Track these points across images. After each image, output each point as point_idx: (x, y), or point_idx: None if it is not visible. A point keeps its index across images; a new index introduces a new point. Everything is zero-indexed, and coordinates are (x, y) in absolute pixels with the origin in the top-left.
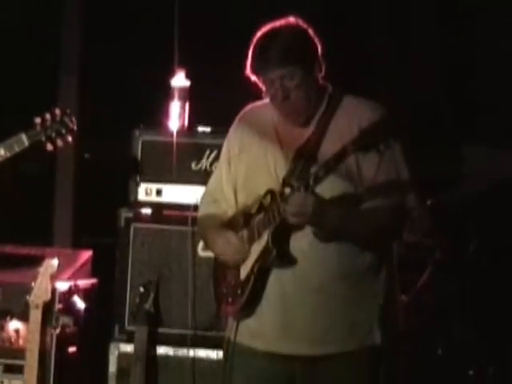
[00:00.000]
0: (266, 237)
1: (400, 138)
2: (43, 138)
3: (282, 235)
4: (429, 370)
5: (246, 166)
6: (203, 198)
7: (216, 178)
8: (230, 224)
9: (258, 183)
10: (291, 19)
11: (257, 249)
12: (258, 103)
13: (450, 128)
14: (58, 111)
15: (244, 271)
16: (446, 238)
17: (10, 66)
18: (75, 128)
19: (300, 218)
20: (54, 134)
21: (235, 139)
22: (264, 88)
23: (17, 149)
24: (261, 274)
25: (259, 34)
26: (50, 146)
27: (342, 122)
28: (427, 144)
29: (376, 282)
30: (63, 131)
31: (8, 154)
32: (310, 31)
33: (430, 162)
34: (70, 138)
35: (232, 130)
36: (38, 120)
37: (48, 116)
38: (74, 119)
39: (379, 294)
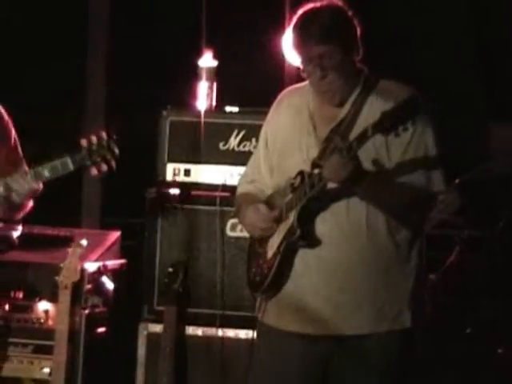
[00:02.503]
0: (292, 216)
1: (429, 118)
2: (88, 163)
3: (307, 216)
4: (458, 349)
5: (280, 148)
6: (241, 177)
7: (254, 159)
8: (267, 204)
9: (291, 164)
10: (331, 1)
11: (284, 228)
12: (296, 86)
13: (480, 106)
14: (104, 135)
15: (271, 251)
16: (474, 216)
17: (38, 52)
18: (118, 152)
19: (336, 176)
20: (99, 159)
21: (272, 121)
22: (302, 65)
23: (61, 172)
24: (286, 254)
25: (301, 12)
26: (94, 171)
27: (375, 105)
28: (456, 122)
29: (406, 265)
30: (108, 157)
31: (52, 177)
32: (351, 13)
33: (460, 140)
34: (114, 164)
35: (270, 112)
36: (84, 143)
37: (94, 139)
38: (117, 143)
39: (409, 277)
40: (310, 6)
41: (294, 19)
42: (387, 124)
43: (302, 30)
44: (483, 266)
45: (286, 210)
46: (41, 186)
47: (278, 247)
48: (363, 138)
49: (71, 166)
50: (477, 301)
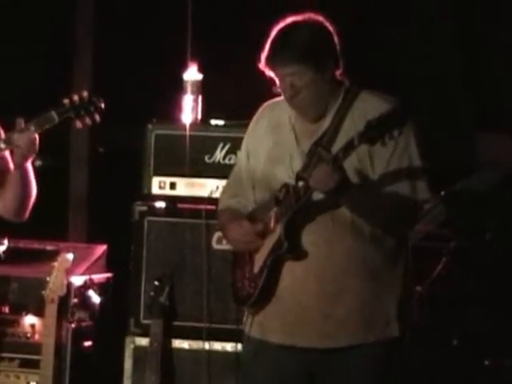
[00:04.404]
0: (278, 230)
1: (412, 128)
2: (73, 115)
3: (294, 228)
4: (444, 361)
5: (263, 162)
6: (223, 192)
7: (235, 173)
8: (249, 219)
9: (275, 178)
10: (312, 15)
11: (270, 242)
12: (277, 99)
13: (466, 116)
14: (85, 92)
15: (257, 265)
16: (461, 227)
17: (25, 61)
18: (103, 106)
19: (323, 186)
20: (82, 112)
21: (254, 135)
22: (277, 82)
23: (47, 126)
24: (273, 268)
25: (278, 27)
26: (78, 124)
27: (357, 117)
28: (443, 133)
29: (392, 273)
30: (92, 109)
31: (38, 131)
32: (330, 28)
33: (445, 152)
34: (98, 118)
35: (251, 126)
36: (66, 100)
37: (76, 97)
38: (101, 99)
39: (396, 286)
40: (288, 20)
41: (272, 34)
42: (373, 133)
43: (274, 49)
44: (470, 277)
45: (272, 223)
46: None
47: (265, 261)
48: (349, 147)
49: (56, 118)
50: (464, 312)
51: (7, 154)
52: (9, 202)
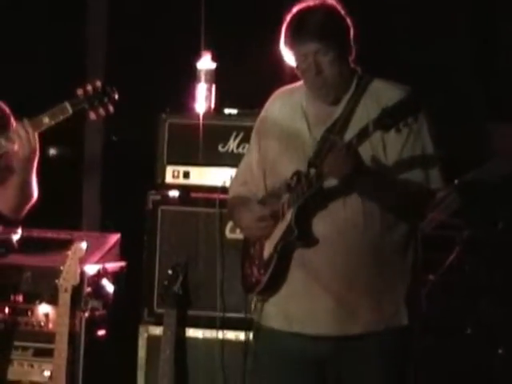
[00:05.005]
0: (289, 216)
1: (425, 117)
2: (87, 106)
3: (305, 215)
4: (458, 349)
5: (274, 149)
6: (233, 179)
7: (246, 160)
8: (260, 205)
9: (286, 165)
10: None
11: (280, 229)
12: (289, 86)
13: (479, 106)
14: (98, 82)
15: (267, 252)
16: (474, 216)
17: (37, 52)
18: (117, 97)
19: (338, 172)
20: (96, 103)
21: (265, 122)
22: (296, 63)
23: (61, 117)
24: (283, 254)
25: (295, 9)
26: (92, 115)
27: (369, 104)
28: (456, 122)
29: (403, 262)
30: (105, 100)
31: (52, 122)
32: (344, 13)
33: (459, 141)
34: (112, 108)
35: (262, 113)
36: (79, 90)
37: (89, 87)
38: (115, 89)
39: (406, 275)
40: (303, 4)
41: (288, 17)
42: (388, 120)
43: (296, 27)
44: (483, 266)
45: (283, 209)
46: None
47: (275, 247)
48: (364, 134)
49: (70, 110)
50: (477, 301)
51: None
52: (8, 200)
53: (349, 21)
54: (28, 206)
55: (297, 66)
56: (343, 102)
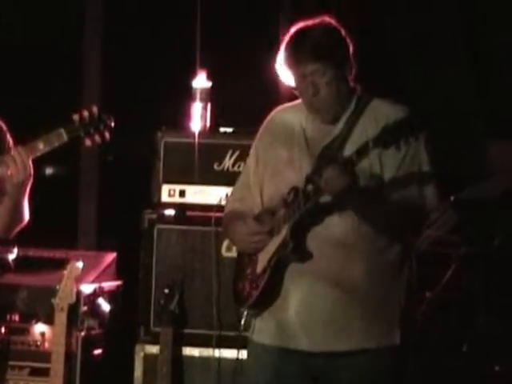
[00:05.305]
0: (284, 231)
1: (424, 134)
2: (82, 134)
3: (300, 230)
4: (454, 367)
5: (272, 166)
6: (230, 196)
7: (243, 177)
8: (256, 220)
9: (284, 182)
10: (325, 18)
11: (275, 243)
12: (288, 104)
13: (476, 124)
14: (95, 109)
15: (261, 265)
16: (470, 233)
17: (35, 75)
18: (113, 124)
19: (334, 187)
20: (92, 130)
21: (264, 139)
22: (294, 82)
23: (56, 143)
24: (277, 268)
25: (293, 29)
26: (88, 142)
27: (368, 123)
28: (452, 140)
29: (397, 281)
30: (101, 127)
31: (47, 149)
32: (343, 32)
33: (455, 159)
34: (107, 135)
35: (261, 130)
36: (75, 116)
37: (86, 113)
38: (111, 116)
39: (400, 294)
40: (302, 24)
41: (287, 37)
42: (389, 138)
43: (294, 48)
44: (480, 283)
45: (279, 224)
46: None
47: (269, 261)
48: (363, 151)
49: (65, 137)
50: (474, 318)
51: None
52: None
53: (348, 40)
54: (18, 228)
55: (295, 87)
56: (342, 121)
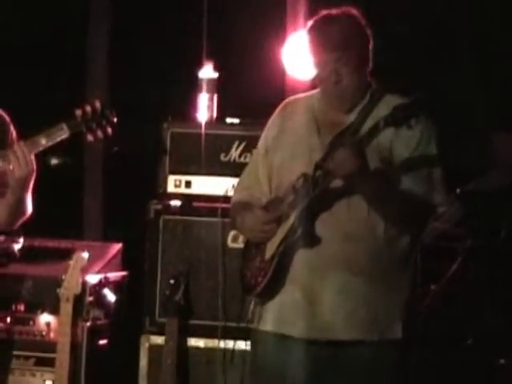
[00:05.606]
0: (293, 218)
1: (430, 122)
2: (84, 129)
3: (309, 216)
4: (459, 360)
5: (282, 155)
6: (238, 185)
7: (251, 166)
8: (265, 208)
9: (293, 170)
10: (350, 9)
11: (284, 229)
12: (299, 95)
13: (482, 116)
14: (97, 104)
15: (269, 252)
16: (476, 226)
17: (36, 64)
18: (115, 120)
19: (343, 169)
20: (94, 125)
21: (274, 128)
22: (316, 69)
23: (58, 138)
24: (285, 255)
25: (317, 17)
26: (90, 137)
27: (381, 115)
28: (458, 132)
29: (402, 276)
30: (103, 123)
31: (49, 144)
32: (365, 23)
33: (461, 151)
34: (110, 130)
35: (271, 120)
36: (78, 111)
37: (88, 108)
38: (113, 112)
39: (404, 288)
40: (326, 12)
41: (312, 22)
42: (400, 115)
43: (320, 34)
44: (485, 276)
45: (288, 210)
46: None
47: (278, 247)
48: (374, 131)
49: (67, 132)
50: (479, 311)
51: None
52: (1, 215)
53: (369, 32)
54: (20, 221)
55: (317, 73)
56: (355, 112)
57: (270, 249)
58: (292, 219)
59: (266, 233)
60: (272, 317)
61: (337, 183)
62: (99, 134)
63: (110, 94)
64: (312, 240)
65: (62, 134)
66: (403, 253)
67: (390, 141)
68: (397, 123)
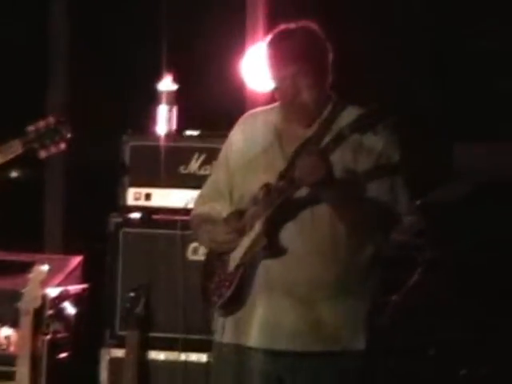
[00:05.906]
0: (257, 228)
1: (394, 131)
2: (37, 145)
3: (273, 226)
4: (421, 370)
5: (244, 166)
6: (198, 197)
7: (212, 178)
8: (226, 220)
9: (256, 182)
10: (308, 23)
11: (247, 241)
12: (260, 108)
13: (442, 127)
14: (51, 119)
15: (233, 264)
16: (436, 237)
17: None
18: (69, 135)
19: (309, 177)
20: (47, 141)
21: (235, 140)
22: (275, 83)
23: (10, 155)
24: (250, 266)
25: (276, 30)
26: (43, 153)
27: (344, 124)
28: (419, 143)
29: (364, 287)
30: (57, 138)
31: (1, 160)
32: (324, 37)
33: (422, 162)
34: (63, 146)
35: (232, 132)
36: (31, 127)
37: (42, 123)
38: (67, 127)
39: (366, 299)
40: (285, 26)
41: (270, 36)
42: (366, 122)
43: (278, 48)
44: (445, 286)
45: (251, 221)
46: None
47: (242, 259)
48: (340, 138)
49: (20, 149)
50: (439, 322)
51: None
52: None
53: (328, 45)
54: None
55: (275, 87)
56: (316, 124)
57: (234, 260)
58: (256, 230)
59: (229, 243)
60: (233, 328)
61: (301, 192)
62: (52, 149)
63: (70, 107)
64: (276, 250)
65: (15, 150)
66: (366, 263)
67: (353, 150)
68: (362, 130)
